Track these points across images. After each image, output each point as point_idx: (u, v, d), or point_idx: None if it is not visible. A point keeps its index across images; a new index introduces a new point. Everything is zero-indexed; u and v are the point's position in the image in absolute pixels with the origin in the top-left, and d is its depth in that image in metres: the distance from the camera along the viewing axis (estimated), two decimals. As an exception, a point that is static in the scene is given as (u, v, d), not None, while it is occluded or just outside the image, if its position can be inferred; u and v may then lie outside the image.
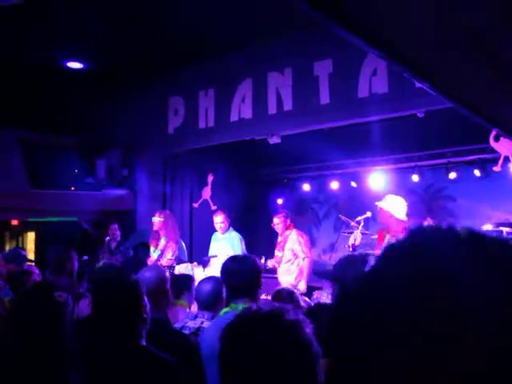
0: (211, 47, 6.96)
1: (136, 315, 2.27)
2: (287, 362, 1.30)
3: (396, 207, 5.46)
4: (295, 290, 4.15)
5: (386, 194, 5.81)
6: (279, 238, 7.02)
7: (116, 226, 7.38)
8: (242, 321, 1.42)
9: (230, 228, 7.00)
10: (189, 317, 3.28)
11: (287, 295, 3.73)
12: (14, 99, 7.52)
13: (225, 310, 3.01)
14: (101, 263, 6.34)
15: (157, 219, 7.00)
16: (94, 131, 8.41)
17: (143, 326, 2.31)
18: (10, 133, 7.42)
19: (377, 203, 5.65)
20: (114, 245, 7.23)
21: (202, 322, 3.19)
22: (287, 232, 6.91)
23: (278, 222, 6.93)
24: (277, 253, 6.94)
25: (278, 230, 6.99)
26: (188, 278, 4.24)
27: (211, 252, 6.98)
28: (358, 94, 6.19)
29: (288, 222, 6.94)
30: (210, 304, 3.29)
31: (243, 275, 2.92)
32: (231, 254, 6.48)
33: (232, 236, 6.94)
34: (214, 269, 6.36)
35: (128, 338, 2.25)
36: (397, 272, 0.46)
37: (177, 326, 3.23)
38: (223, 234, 6.94)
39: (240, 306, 2.81)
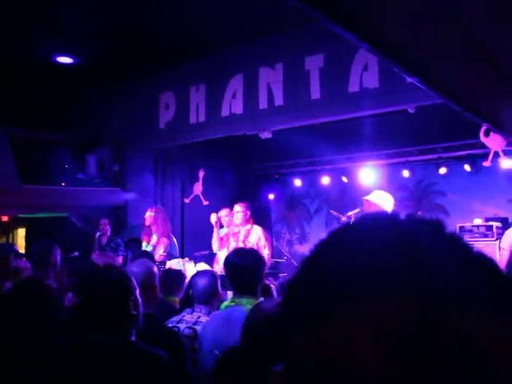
0: (202, 43, 6.94)
1: (122, 311, 2.14)
2: None
3: (384, 201, 5.45)
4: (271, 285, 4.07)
5: (375, 190, 5.81)
6: (236, 229, 6.39)
7: (106, 220, 7.27)
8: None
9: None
10: (186, 311, 3.28)
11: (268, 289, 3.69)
12: (3, 96, 7.45)
13: (226, 303, 3.00)
14: (92, 258, 6.28)
15: (148, 214, 6.99)
16: (85, 127, 8.37)
17: (132, 323, 2.17)
18: (0, 129, 7.35)
19: (364, 197, 5.62)
20: (104, 240, 7.16)
21: (199, 317, 3.19)
22: (248, 226, 6.34)
23: (239, 209, 6.32)
24: (236, 244, 6.16)
25: (236, 220, 6.34)
26: (180, 274, 4.23)
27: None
28: (348, 88, 6.20)
29: (249, 214, 6.37)
30: (206, 298, 3.28)
31: (247, 271, 2.90)
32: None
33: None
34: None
35: (113, 334, 2.12)
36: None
37: (174, 319, 3.23)
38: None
39: (244, 301, 2.82)
